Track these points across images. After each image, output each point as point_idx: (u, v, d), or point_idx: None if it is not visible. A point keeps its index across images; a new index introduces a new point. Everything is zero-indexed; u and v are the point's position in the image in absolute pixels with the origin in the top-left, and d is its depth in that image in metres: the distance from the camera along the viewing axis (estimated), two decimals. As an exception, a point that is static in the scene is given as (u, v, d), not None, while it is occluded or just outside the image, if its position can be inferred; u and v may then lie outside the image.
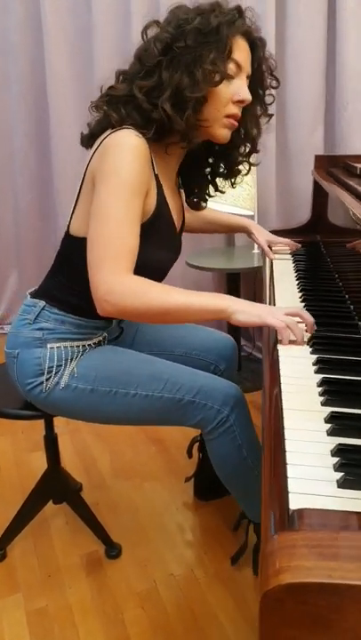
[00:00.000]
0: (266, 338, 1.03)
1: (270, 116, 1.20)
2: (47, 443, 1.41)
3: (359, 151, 2.07)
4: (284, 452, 0.62)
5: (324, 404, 0.73)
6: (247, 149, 1.22)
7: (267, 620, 0.44)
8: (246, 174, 1.30)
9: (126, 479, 1.67)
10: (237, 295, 2.11)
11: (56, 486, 1.45)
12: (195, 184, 1.32)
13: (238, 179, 1.31)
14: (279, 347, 0.91)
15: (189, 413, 1.14)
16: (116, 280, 0.96)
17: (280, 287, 1.30)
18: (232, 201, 1.93)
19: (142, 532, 1.51)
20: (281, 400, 0.75)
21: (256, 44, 1.10)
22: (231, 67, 1.05)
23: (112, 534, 1.45)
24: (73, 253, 1.13)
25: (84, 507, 1.45)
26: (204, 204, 1.36)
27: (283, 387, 0.77)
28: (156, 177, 1.09)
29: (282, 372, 0.82)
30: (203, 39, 1.01)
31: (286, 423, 0.68)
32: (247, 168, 1.27)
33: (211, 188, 1.33)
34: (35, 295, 1.20)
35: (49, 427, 1.40)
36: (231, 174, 1.28)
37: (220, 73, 1.02)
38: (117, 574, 1.38)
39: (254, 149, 1.23)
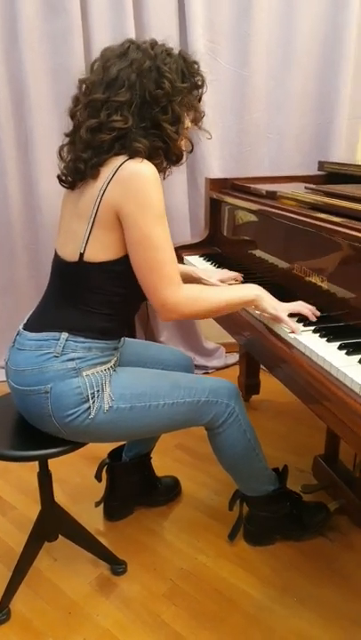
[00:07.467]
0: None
1: None
2: (42, 482, 1.37)
3: (216, 170, 2.42)
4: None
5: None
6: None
7: None
8: None
9: (89, 501, 1.69)
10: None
11: (53, 525, 1.42)
12: None
13: None
14: (301, 340, 1.16)
15: (204, 412, 1.31)
16: (176, 295, 1.16)
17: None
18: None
19: (134, 542, 1.58)
20: (346, 383, 1.00)
21: None
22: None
23: (110, 554, 1.49)
24: (96, 279, 1.17)
25: (84, 533, 1.45)
26: None
27: (344, 371, 1.01)
28: None
29: (332, 362, 1.06)
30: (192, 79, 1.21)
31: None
32: None
33: None
34: (47, 328, 1.19)
35: (43, 465, 1.36)
36: None
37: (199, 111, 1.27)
38: (135, 586, 1.44)
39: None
